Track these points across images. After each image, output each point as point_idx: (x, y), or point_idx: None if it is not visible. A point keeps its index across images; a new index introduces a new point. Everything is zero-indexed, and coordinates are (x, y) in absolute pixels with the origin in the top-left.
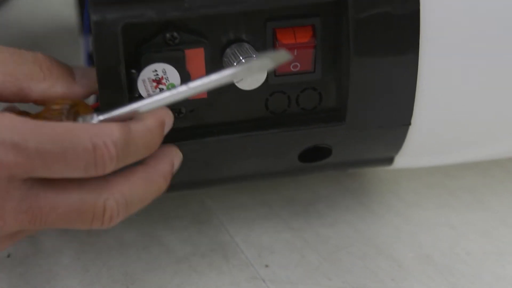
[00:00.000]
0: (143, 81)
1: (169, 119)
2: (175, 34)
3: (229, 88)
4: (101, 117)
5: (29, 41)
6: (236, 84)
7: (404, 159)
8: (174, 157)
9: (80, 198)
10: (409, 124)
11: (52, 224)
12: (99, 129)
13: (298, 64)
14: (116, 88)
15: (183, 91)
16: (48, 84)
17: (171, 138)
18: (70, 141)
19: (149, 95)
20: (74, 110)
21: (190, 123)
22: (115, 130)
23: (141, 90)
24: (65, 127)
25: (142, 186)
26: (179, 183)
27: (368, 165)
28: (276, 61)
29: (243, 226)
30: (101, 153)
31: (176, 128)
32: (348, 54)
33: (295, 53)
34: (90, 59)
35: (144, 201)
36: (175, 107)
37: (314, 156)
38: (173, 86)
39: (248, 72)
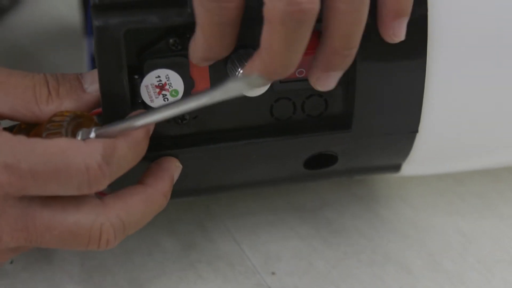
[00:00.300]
0: (146, 87)
1: (152, 126)
2: (179, 40)
3: None
4: (98, 132)
5: (32, 44)
6: None
7: (412, 166)
8: (174, 171)
9: (75, 221)
10: (417, 131)
11: (48, 244)
12: (92, 148)
13: (304, 70)
14: (119, 94)
15: (174, 108)
16: (56, 105)
17: (174, 145)
18: (63, 162)
19: (151, 101)
20: (76, 123)
21: (194, 130)
22: (108, 148)
23: (144, 96)
24: (59, 147)
25: (141, 208)
26: (182, 190)
27: (374, 172)
28: (251, 85)
29: (250, 233)
30: (94, 173)
31: (179, 135)
32: (354, 59)
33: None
34: (94, 61)
35: (143, 222)
36: None
37: (320, 163)
38: (176, 93)
39: (224, 95)
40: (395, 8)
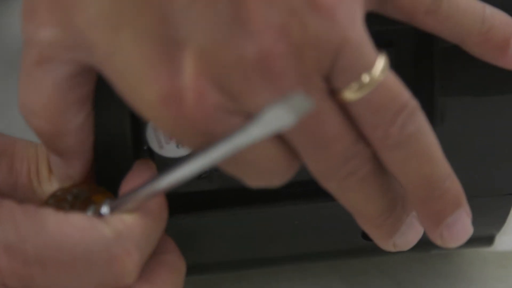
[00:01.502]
0: (154, 130)
1: None
2: None
3: None
4: (113, 206)
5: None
6: None
7: (509, 238)
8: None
9: None
10: None
11: None
12: (116, 230)
13: None
14: (119, 139)
15: (198, 165)
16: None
17: (192, 205)
18: (81, 248)
19: (160, 147)
20: (84, 197)
21: (217, 186)
22: (134, 226)
23: (151, 141)
24: (75, 226)
25: (172, 281)
26: (207, 265)
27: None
28: (296, 110)
29: None
30: (121, 263)
31: (198, 192)
32: (431, 95)
33: None
34: None
35: None
36: None
37: None
38: None
39: (264, 129)
40: (432, 211)
